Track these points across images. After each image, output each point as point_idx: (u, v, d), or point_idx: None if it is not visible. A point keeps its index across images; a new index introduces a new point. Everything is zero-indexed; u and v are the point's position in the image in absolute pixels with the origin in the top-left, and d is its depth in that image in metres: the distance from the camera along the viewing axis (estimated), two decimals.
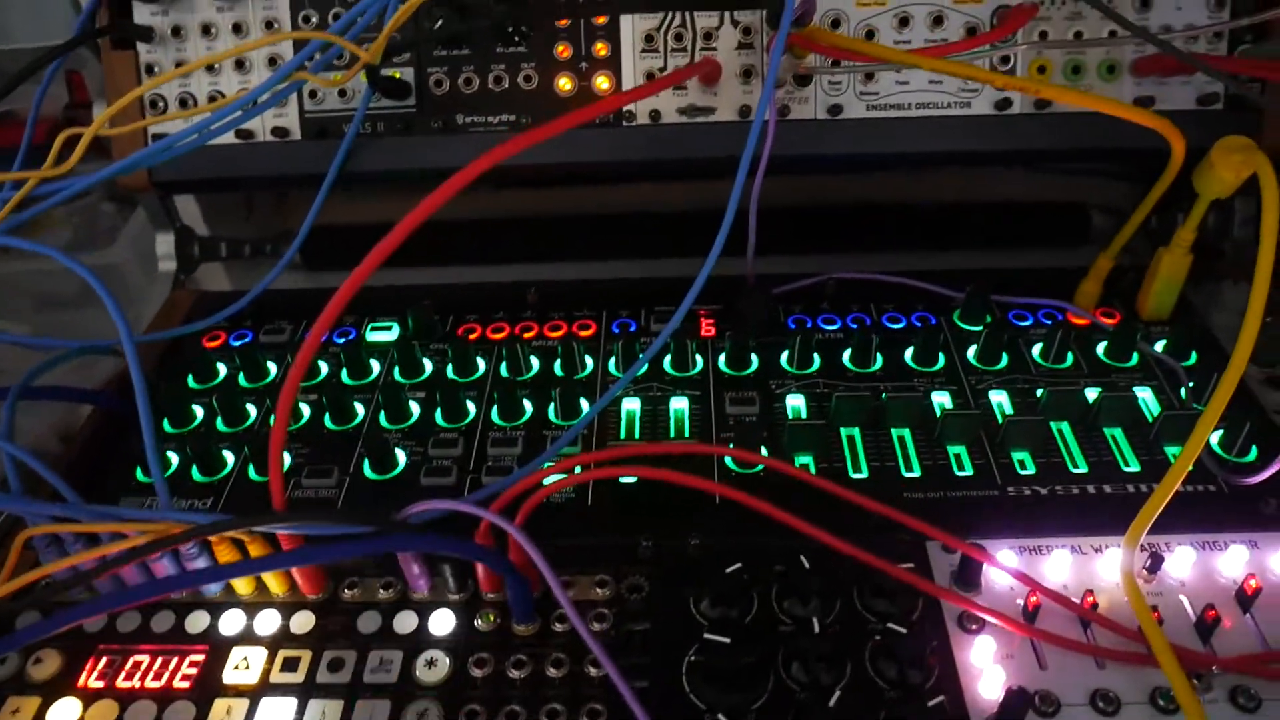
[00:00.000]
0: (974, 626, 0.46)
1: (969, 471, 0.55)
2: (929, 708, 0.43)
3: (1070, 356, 0.62)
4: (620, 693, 0.42)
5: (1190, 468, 0.46)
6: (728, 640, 0.46)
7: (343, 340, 0.69)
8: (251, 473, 0.58)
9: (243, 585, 0.51)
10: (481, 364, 0.65)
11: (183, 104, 0.69)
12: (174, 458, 0.59)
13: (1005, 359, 0.62)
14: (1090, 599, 0.46)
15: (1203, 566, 0.49)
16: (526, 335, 0.68)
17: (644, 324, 0.68)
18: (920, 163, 0.68)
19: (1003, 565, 0.47)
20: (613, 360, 0.65)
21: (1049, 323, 0.66)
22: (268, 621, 0.49)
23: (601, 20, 0.66)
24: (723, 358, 0.64)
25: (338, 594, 0.50)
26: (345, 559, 0.51)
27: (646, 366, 0.62)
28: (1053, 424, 0.57)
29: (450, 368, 0.65)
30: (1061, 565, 0.49)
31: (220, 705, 0.46)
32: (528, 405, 0.61)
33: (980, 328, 0.65)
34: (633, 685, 0.43)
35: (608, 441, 0.59)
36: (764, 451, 0.56)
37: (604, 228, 0.82)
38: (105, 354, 0.63)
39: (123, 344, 0.54)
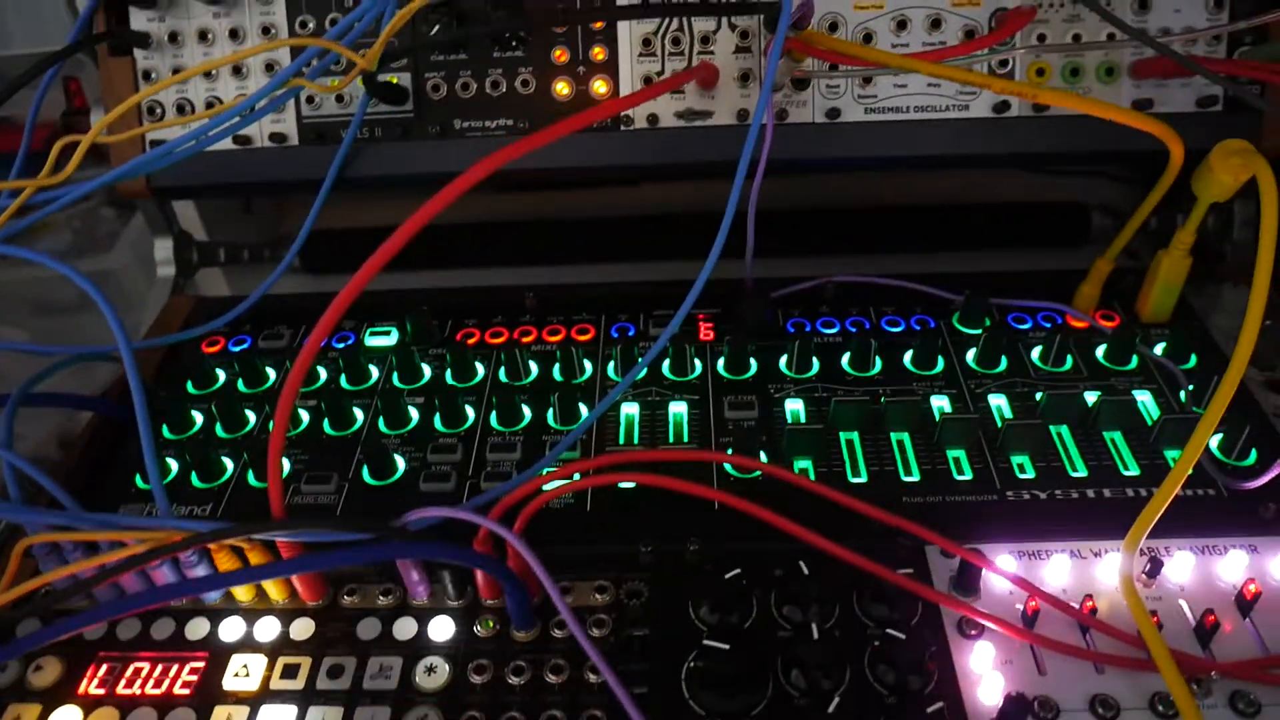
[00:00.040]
0: (973, 632, 0.46)
1: (968, 475, 0.55)
2: (928, 713, 0.43)
3: (1069, 360, 0.62)
4: (619, 699, 0.42)
5: (1190, 471, 0.45)
6: (727, 646, 0.46)
7: (341, 345, 0.69)
8: (251, 478, 0.58)
9: (242, 592, 0.51)
10: (480, 369, 0.65)
11: (180, 110, 0.69)
12: (173, 464, 0.59)
13: (1004, 362, 0.62)
14: (1089, 604, 0.46)
15: (1202, 571, 0.49)
16: (525, 340, 0.68)
17: (642, 328, 0.68)
18: (918, 166, 0.68)
19: (1002, 570, 0.47)
20: (611, 364, 0.65)
21: (1048, 326, 0.66)
22: (267, 628, 0.49)
23: (599, 25, 0.66)
24: (721, 362, 0.64)
25: (337, 600, 0.50)
26: (344, 566, 0.51)
27: (645, 371, 0.62)
28: (1052, 427, 0.57)
29: (449, 373, 0.65)
30: (1061, 570, 0.49)
31: (221, 712, 0.46)
32: (526, 410, 0.61)
33: (979, 331, 0.65)
34: (632, 691, 0.43)
35: (606, 447, 0.59)
36: (763, 456, 0.56)
37: (601, 230, 0.83)
38: (104, 360, 0.63)
39: (120, 350, 0.54)
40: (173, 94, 0.69)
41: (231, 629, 0.49)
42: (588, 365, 0.65)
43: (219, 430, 0.62)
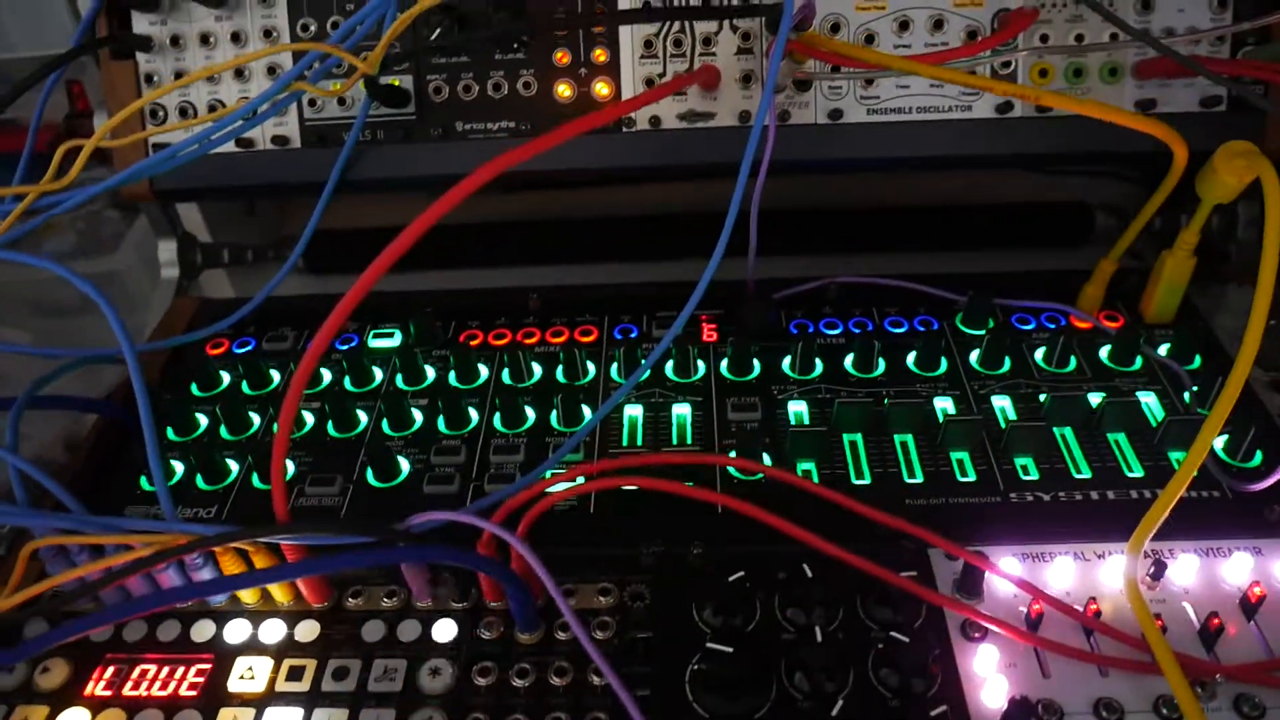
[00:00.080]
0: (977, 634, 0.46)
1: (972, 477, 0.55)
2: (932, 716, 0.43)
3: (1073, 361, 0.62)
4: (623, 701, 0.42)
5: (1194, 473, 0.45)
6: (730, 649, 0.46)
7: (345, 347, 0.69)
8: (255, 481, 0.58)
9: (247, 594, 0.51)
10: (484, 371, 0.65)
11: (183, 113, 0.70)
12: (178, 466, 0.59)
13: (1008, 363, 0.62)
14: (1093, 606, 0.46)
15: (1207, 573, 0.49)
16: (528, 341, 0.68)
17: (646, 330, 0.68)
18: (921, 167, 0.68)
19: (1005, 573, 0.47)
20: (615, 366, 0.65)
21: (1052, 327, 0.66)
22: (273, 630, 0.50)
23: (600, 27, 0.66)
24: (725, 363, 0.64)
25: (342, 603, 0.51)
26: (349, 569, 0.52)
27: (649, 373, 0.62)
28: (1056, 429, 0.57)
29: (452, 375, 0.65)
30: (1064, 572, 0.49)
31: (226, 714, 0.46)
32: (530, 412, 0.61)
33: (983, 332, 0.65)
34: (635, 694, 0.43)
35: (609, 448, 0.59)
36: (766, 458, 0.56)
37: (604, 231, 0.82)
38: (109, 363, 0.63)
39: (124, 354, 0.54)
40: (175, 97, 0.69)
41: (237, 631, 0.50)
42: (591, 367, 0.65)
43: (223, 432, 0.62)
